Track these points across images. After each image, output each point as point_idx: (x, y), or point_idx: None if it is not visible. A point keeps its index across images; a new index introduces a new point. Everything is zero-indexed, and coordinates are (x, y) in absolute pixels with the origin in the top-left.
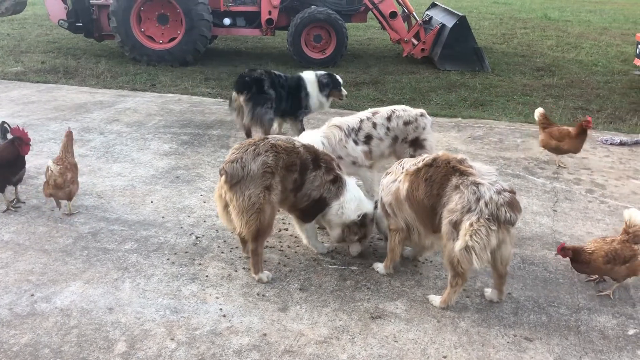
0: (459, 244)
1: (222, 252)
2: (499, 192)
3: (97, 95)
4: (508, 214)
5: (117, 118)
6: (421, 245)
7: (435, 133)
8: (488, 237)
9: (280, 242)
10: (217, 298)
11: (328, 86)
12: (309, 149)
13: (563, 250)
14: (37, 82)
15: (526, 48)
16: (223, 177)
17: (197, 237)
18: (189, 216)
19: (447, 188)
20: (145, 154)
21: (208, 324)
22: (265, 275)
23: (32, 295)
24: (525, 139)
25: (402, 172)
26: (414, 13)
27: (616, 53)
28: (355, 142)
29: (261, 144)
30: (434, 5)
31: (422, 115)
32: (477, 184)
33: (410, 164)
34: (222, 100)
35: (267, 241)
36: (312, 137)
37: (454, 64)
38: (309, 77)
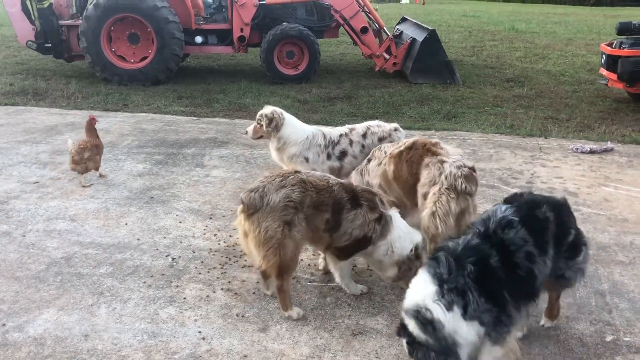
0: (426, 211)
1: (200, 273)
2: (458, 167)
3: (68, 116)
4: (464, 185)
5: None
6: (409, 217)
7: None
8: (448, 204)
9: None
10: (196, 320)
11: None
12: (347, 187)
13: None
14: (6, 104)
15: (495, 60)
16: (240, 207)
17: (173, 259)
18: (164, 237)
19: (421, 167)
20: (119, 175)
21: (187, 347)
22: (295, 312)
23: (4, 325)
24: (498, 149)
25: (386, 156)
26: (384, 28)
27: (582, 63)
28: (329, 156)
29: (290, 176)
30: (404, 19)
31: (395, 129)
32: (442, 162)
33: (393, 148)
34: (195, 118)
35: (245, 260)
36: (305, 127)
37: (425, 77)
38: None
